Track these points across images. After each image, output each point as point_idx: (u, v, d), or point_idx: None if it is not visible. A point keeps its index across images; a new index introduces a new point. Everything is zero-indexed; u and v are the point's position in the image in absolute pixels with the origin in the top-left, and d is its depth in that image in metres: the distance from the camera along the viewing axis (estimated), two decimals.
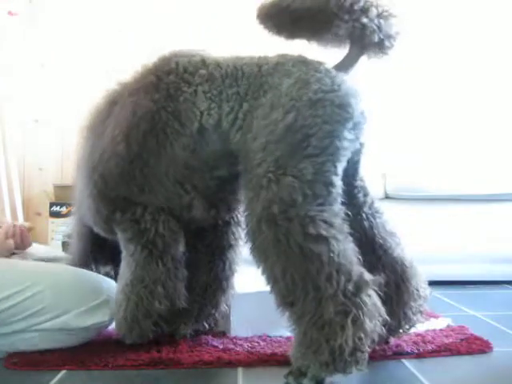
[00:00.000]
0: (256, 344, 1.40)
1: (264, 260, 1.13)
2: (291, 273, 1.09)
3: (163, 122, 1.24)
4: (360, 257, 1.13)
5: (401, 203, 2.32)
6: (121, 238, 1.37)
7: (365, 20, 1.13)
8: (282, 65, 1.18)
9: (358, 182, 1.28)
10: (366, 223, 1.28)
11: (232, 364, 1.29)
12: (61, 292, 1.36)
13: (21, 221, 3.10)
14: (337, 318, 1.07)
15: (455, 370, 1.28)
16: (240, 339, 1.43)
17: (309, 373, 1.09)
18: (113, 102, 1.34)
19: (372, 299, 1.10)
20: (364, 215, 1.28)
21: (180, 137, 1.24)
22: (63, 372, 1.25)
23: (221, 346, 1.38)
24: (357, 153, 1.22)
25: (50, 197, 3.21)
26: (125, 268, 1.36)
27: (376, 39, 1.15)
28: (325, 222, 1.09)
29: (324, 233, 1.08)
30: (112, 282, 1.47)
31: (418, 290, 1.31)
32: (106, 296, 1.40)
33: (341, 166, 1.13)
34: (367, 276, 1.11)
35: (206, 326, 1.50)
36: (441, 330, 1.52)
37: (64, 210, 3.13)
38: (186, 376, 1.25)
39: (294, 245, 1.07)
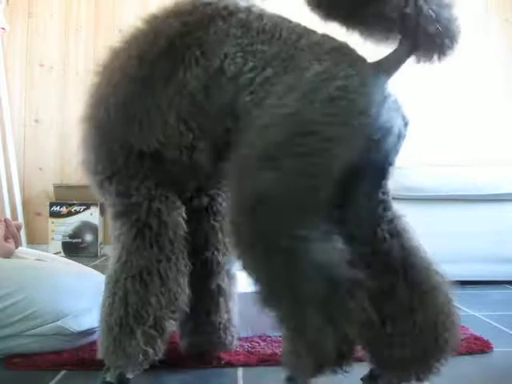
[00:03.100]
0: (256, 344, 1.39)
1: (241, 255, 0.99)
2: (266, 272, 0.97)
3: (185, 46, 1.09)
4: (350, 257, 0.98)
5: (401, 203, 2.32)
6: (109, 216, 1.19)
7: (407, 10, 0.94)
8: (319, 47, 1.03)
9: (380, 196, 1.11)
10: (381, 241, 1.10)
11: (232, 364, 1.29)
12: (54, 295, 1.32)
13: (21, 220, 3.10)
14: (318, 324, 0.94)
15: (455, 370, 1.28)
16: (240, 339, 1.43)
17: (299, 379, 1.00)
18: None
19: (360, 304, 0.96)
20: (380, 232, 1.10)
21: (197, 66, 1.08)
22: (63, 372, 1.25)
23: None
24: (379, 169, 1.08)
25: (49, 197, 3.21)
26: (111, 256, 1.16)
27: (430, 34, 0.96)
28: (306, 221, 0.97)
29: (302, 232, 0.95)
30: None
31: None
32: None
33: (333, 178, 0.98)
34: (358, 276, 0.97)
35: (226, 335, 1.31)
36: None
37: (64, 209, 3.14)
38: (186, 376, 1.25)
39: (269, 241, 0.95)
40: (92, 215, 3.14)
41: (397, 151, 1.07)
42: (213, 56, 1.07)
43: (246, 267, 0.98)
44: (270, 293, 0.98)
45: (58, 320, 1.31)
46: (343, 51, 1.03)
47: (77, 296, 1.34)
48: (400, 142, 1.06)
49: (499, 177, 2.41)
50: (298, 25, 1.09)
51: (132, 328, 1.09)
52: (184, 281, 1.15)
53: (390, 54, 1.03)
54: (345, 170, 0.98)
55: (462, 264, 2.34)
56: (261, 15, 1.10)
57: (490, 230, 2.37)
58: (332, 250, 0.98)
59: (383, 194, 1.12)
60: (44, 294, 1.32)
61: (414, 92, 3.12)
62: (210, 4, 1.12)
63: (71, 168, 3.23)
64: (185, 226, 1.15)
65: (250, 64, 1.05)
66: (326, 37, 1.06)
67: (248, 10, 1.11)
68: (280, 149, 0.95)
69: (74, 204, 3.14)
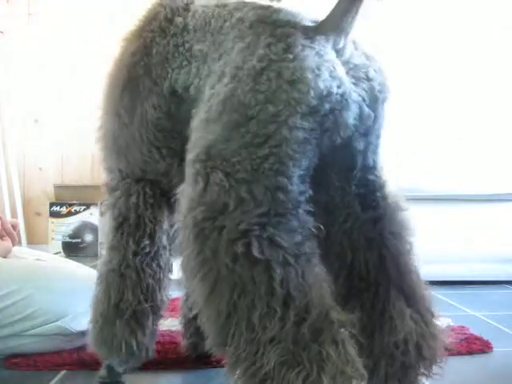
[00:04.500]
0: None
1: (190, 279, 0.85)
2: (219, 303, 0.80)
3: (137, 77, 1.05)
4: (331, 287, 0.83)
5: None
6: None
7: None
8: (241, 23, 0.90)
9: (353, 189, 0.96)
10: (356, 248, 0.97)
11: None
12: (54, 294, 1.32)
13: (21, 220, 3.10)
14: (279, 371, 0.76)
15: (455, 370, 1.28)
16: None
17: None
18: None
19: (341, 348, 0.78)
20: (356, 236, 0.96)
21: (152, 94, 1.03)
22: (63, 372, 1.25)
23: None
24: (343, 155, 0.93)
25: (49, 197, 3.21)
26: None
27: None
28: (267, 239, 0.79)
29: (258, 254, 0.78)
30: None
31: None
32: None
33: (296, 166, 0.83)
34: (335, 315, 0.80)
35: None
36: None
37: (64, 209, 3.14)
38: (186, 376, 1.25)
39: (221, 264, 0.80)
40: (92, 215, 3.14)
41: (362, 134, 0.91)
42: (162, 79, 1.02)
43: (193, 294, 0.85)
44: (222, 328, 0.81)
45: (58, 320, 1.31)
46: (267, 21, 0.88)
47: (77, 296, 1.34)
48: (364, 122, 0.89)
49: (499, 177, 2.42)
50: (227, 6, 0.97)
51: (113, 320, 1.09)
52: (165, 277, 1.13)
53: (333, 7, 0.86)
54: (307, 157, 0.84)
55: (462, 264, 2.34)
56: (195, 11, 1.01)
57: (489, 230, 2.37)
58: (309, 273, 0.81)
59: (358, 187, 0.95)
60: (44, 294, 1.32)
61: (413, 92, 3.12)
62: (154, 19, 1.07)
63: (71, 168, 3.23)
64: (166, 221, 1.13)
65: (194, 70, 0.97)
66: (251, 9, 0.92)
67: (186, 7, 1.04)
68: (226, 144, 0.82)
69: (73, 204, 3.14)
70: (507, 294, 2.22)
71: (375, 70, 0.91)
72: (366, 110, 0.88)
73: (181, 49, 1.00)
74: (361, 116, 0.87)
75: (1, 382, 1.21)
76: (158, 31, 1.05)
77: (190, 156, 0.86)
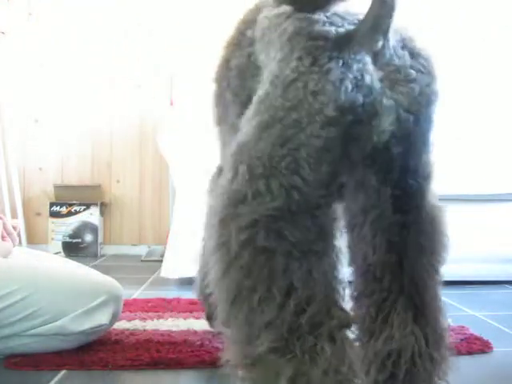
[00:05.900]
0: None
1: (209, 258, 0.91)
2: (228, 284, 0.85)
3: (223, 91, 1.18)
4: (340, 288, 0.88)
5: None
6: None
7: None
8: (283, 34, 0.93)
9: (388, 192, 0.96)
10: (378, 243, 0.97)
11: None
12: (54, 294, 1.32)
13: (21, 220, 3.10)
14: (271, 356, 0.80)
15: (455, 370, 1.28)
16: None
17: None
18: None
19: (339, 347, 0.80)
20: (380, 234, 0.97)
21: (233, 105, 1.14)
22: (63, 372, 1.25)
23: (221, 346, 1.38)
24: (377, 159, 0.92)
25: (49, 197, 3.21)
26: None
27: None
28: (275, 231, 0.83)
29: (263, 243, 0.83)
30: (114, 281, 1.44)
31: None
32: (106, 296, 1.36)
33: (313, 170, 0.85)
34: (337, 312, 0.83)
35: None
36: None
37: (64, 209, 3.14)
38: (185, 376, 1.25)
39: (233, 249, 0.85)
40: (92, 215, 3.14)
41: (400, 138, 0.90)
42: (241, 89, 1.11)
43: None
44: (229, 309, 0.86)
45: (58, 320, 1.31)
46: (302, 33, 0.89)
47: (76, 296, 1.34)
48: (402, 126, 0.89)
49: (499, 177, 2.42)
50: (281, 16, 0.97)
51: None
52: None
53: (369, 7, 0.86)
54: (334, 159, 0.86)
55: (462, 264, 2.34)
56: (259, 22, 1.05)
57: (490, 229, 2.37)
58: (317, 270, 0.84)
59: (394, 189, 0.95)
60: (44, 294, 1.32)
61: None
62: (234, 35, 1.18)
63: (71, 168, 3.23)
64: None
65: (260, 78, 0.98)
66: (293, 21, 0.93)
67: (255, 21, 1.07)
68: (255, 141, 0.87)
69: (73, 204, 3.14)
70: (507, 294, 2.22)
71: (420, 70, 0.89)
72: (403, 114, 0.88)
73: (252, 58, 1.07)
74: (398, 120, 0.88)
75: (1, 382, 1.21)
76: (237, 44, 1.15)
77: (229, 151, 0.93)
